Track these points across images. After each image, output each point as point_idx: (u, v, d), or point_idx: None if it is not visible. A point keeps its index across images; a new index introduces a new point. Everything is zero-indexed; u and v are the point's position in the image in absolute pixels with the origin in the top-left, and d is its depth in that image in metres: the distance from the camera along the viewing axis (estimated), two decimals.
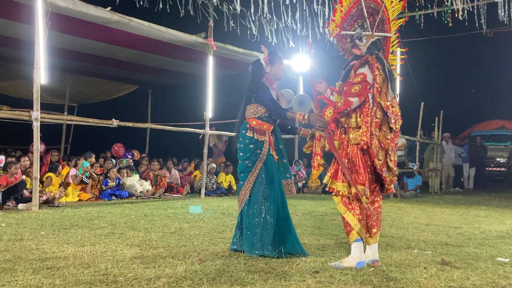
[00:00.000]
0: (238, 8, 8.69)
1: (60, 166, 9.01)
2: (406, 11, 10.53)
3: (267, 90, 3.83)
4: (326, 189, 3.59)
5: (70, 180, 8.72)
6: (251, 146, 3.80)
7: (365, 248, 3.32)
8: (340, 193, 3.27)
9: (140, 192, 9.36)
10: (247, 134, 3.83)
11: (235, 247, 3.80)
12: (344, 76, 3.44)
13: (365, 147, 3.20)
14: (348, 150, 3.28)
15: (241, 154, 3.87)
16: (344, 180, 3.24)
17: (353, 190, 3.20)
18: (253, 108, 3.84)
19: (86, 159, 9.00)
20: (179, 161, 12.46)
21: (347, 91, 3.23)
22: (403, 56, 3.86)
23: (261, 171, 3.77)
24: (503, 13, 9.32)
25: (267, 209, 3.70)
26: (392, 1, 3.49)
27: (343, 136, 3.32)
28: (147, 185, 9.60)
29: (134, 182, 9.38)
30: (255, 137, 3.81)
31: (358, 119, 3.24)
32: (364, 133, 3.19)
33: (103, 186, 8.99)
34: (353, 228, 3.23)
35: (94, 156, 9.33)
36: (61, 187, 8.34)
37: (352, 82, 3.25)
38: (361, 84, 3.20)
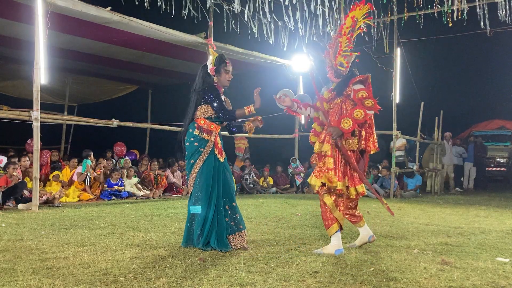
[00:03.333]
0: (238, 8, 8.68)
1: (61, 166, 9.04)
2: (406, 11, 10.53)
3: (217, 93, 3.99)
4: (326, 190, 3.81)
5: (75, 178, 8.75)
6: (196, 144, 3.93)
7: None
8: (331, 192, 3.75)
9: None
10: (194, 132, 3.95)
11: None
12: (339, 89, 3.82)
13: (371, 151, 3.80)
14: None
15: (186, 152, 4.00)
16: (340, 179, 3.70)
17: (353, 190, 3.75)
18: (203, 109, 3.98)
19: (87, 157, 9.06)
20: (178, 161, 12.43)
21: (360, 105, 3.66)
22: (356, 60, 3.96)
23: (200, 168, 3.88)
24: (503, 13, 9.30)
25: (192, 206, 3.90)
26: (360, 10, 3.77)
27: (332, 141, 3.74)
28: (143, 190, 9.60)
29: (130, 187, 9.37)
30: (200, 136, 3.93)
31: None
32: (368, 140, 3.79)
33: (105, 186, 8.99)
34: (335, 222, 3.73)
35: (92, 153, 9.41)
36: (61, 187, 8.34)
37: (361, 97, 3.68)
38: (372, 100, 3.67)
